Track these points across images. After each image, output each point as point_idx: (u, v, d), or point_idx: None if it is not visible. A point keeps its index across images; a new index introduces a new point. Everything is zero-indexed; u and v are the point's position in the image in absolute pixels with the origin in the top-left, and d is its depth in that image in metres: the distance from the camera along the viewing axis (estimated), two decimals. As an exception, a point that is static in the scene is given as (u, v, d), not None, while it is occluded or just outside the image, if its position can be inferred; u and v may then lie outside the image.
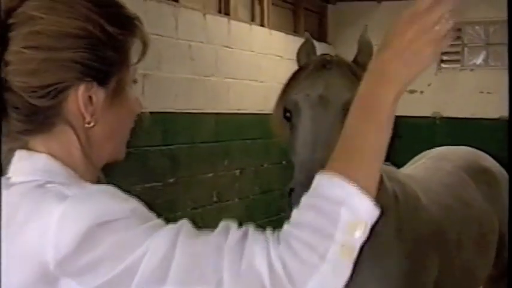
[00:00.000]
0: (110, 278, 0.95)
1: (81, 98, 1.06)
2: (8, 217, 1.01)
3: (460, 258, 2.47)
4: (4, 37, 1.04)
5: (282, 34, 6.53)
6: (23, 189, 1.04)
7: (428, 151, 3.21)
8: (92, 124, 1.08)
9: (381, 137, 0.97)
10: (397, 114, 2.03)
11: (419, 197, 2.36)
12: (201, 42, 5.26)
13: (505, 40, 6.52)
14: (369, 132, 0.96)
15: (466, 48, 7.04)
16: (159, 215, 1.03)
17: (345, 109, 1.83)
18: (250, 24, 6.06)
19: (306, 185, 0.98)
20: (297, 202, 1.01)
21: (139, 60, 1.16)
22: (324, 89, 1.95)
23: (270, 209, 6.30)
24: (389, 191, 2.20)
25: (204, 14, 5.31)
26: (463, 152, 3.12)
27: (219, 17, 5.58)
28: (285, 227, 0.95)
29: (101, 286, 0.96)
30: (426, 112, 6.96)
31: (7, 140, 1.08)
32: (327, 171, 0.95)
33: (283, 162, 6.49)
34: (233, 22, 5.73)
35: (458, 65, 7.04)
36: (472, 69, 6.98)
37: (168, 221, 1.02)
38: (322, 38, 7.43)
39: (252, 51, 6.00)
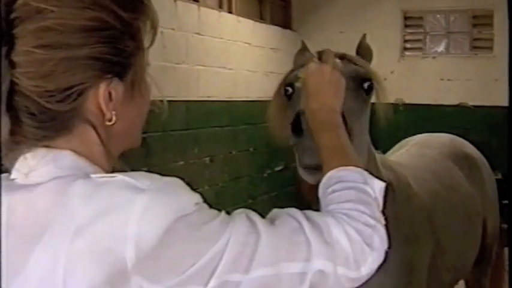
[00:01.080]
0: (188, 274, 0.91)
1: (102, 96, 0.98)
2: (52, 218, 0.92)
3: (451, 242, 2.54)
4: (8, 34, 0.92)
5: (249, 21, 6.53)
6: (62, 185, 0.94)
7: (409, 138, 3.28)
8: (113, 121, 1.00)
9: (345, 138, 1.30)
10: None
11: (411, 185, 2.40)
12: (172, 29, 5.20)
13: (465, 29, 6.68)
14: (339, 138, 1.28)
15: (427, 37, 7.20)
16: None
17: (351, 79, 1.82)
18: (219, 11, 6.02)
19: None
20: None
21: (151, 44, 1.07)
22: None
23: (239, 196, 6.32)
24: (385, 179, 2.22)
25: (175, 1, 5.25)
26: (445, 139, 3.20)
27: (189, 4, 5.52)
28: (332, 206, 1.11)
29: (177, 284, 0.91)
30: (389, 99, 7.10)
31: (20, 147, 0.97)
32: (338, 168, 1.18)
33: (251, 149, 6.52)
34: (203, 9, 5.69)
35: (420, 53, 7.21)
36: (434, 57, 7.15)
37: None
38: (287, 25, 7.46)
39: (221, 38, 5.97)
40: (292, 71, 2.04)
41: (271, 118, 2.06)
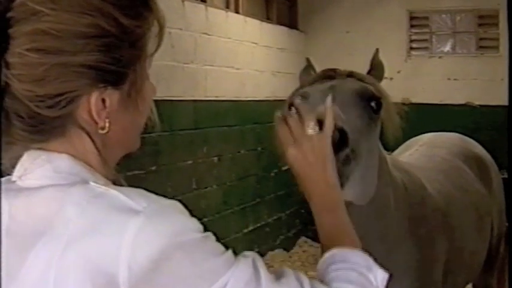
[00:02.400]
0: None
1: (94, 104, 0.95)
2: (49, 225, 0.91)
3: (464, 242, 2.55)
4: (4, 34, 0.90)
5: (256, 21, 6.56)
6: (59, 192, 0.93)
7: (417, 138, 3.28)
8: (105, 130, 0.98)
9: (345, 216, 1.26)
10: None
11: (425, 186, 2.40)
12: (180, 29, 5.25)
13: (471, 28, 6.69)
14: (338, 218, 1.25)
15: (434, 36, 7.22)
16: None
17: (357, 96, 1.83)
18: (226, 11, 6.06)
19: None
20: None
21: (156, 49, 1.04)
22: (334, 82, 1.93)
23: (246, 195, 6.37)
24: (399, 181, 2.22)
25: (183, 1, 5.29)
26: (453, 138, 3.21)
27: (196, 4, 5.56)
28: (335, 284, 1.09)
29: None
30: (396, 98, 7.09)
31: (13, 148, 0.97)
32: (342, 247, 1.15)
33: (258, 148, 6.56)
34: (210, 9, 5.73)
35: (426, 53, 7.22)
36: (440, 57, 7.17)
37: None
38: (293, 25, 7.49)
39: (229, 38, 6.01)
40: (296, 90, 2.05)
41: (278, 139, 2.07)
